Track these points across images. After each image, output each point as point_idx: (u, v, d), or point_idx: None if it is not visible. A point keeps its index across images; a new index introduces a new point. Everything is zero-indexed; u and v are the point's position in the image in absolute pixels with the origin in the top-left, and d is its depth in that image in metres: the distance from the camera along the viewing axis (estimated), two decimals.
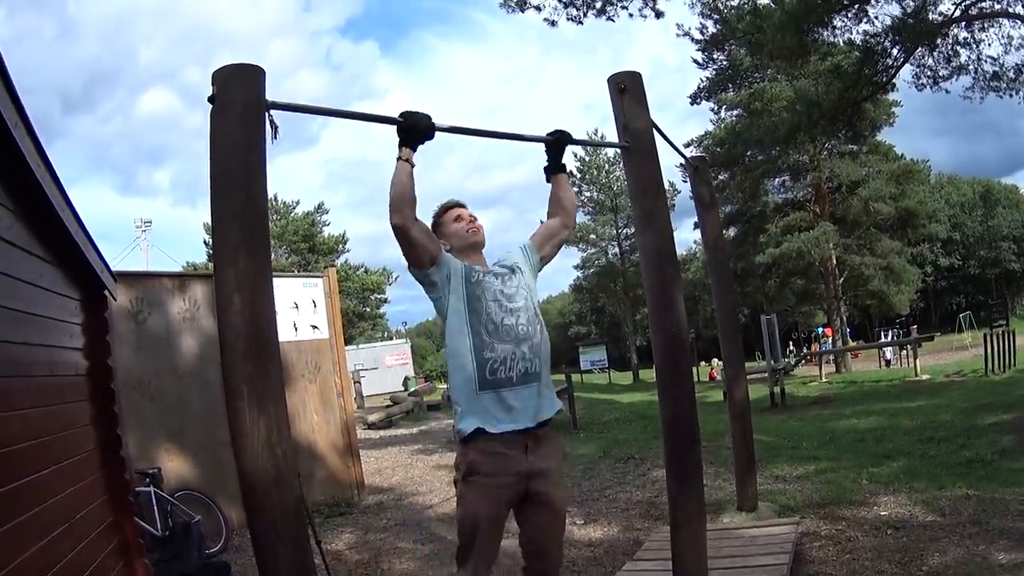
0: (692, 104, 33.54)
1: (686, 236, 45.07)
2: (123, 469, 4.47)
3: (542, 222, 3.66)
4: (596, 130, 42.03)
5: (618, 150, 4.35)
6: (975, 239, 56.04)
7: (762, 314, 23.57)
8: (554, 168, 3.54)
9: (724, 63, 29.66)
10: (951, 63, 15.57)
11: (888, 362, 29.32)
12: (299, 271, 39.04)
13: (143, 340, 7.68)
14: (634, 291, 44.66)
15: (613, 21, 16.46)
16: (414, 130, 2.94)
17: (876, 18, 15.50)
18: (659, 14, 16.16)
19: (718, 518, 6.06)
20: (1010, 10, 14.42)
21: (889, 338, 34.25)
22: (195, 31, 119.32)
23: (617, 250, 49.31)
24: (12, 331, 2.97)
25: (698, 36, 22.47)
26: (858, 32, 15.94)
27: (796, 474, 7.95)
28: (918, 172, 38.09)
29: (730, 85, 33.33)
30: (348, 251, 51.80)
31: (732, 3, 17.12)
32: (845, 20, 15.72)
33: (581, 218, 46.98)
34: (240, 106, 2.59)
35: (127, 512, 4.44)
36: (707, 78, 32.13)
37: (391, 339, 51.27)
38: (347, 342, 25.24)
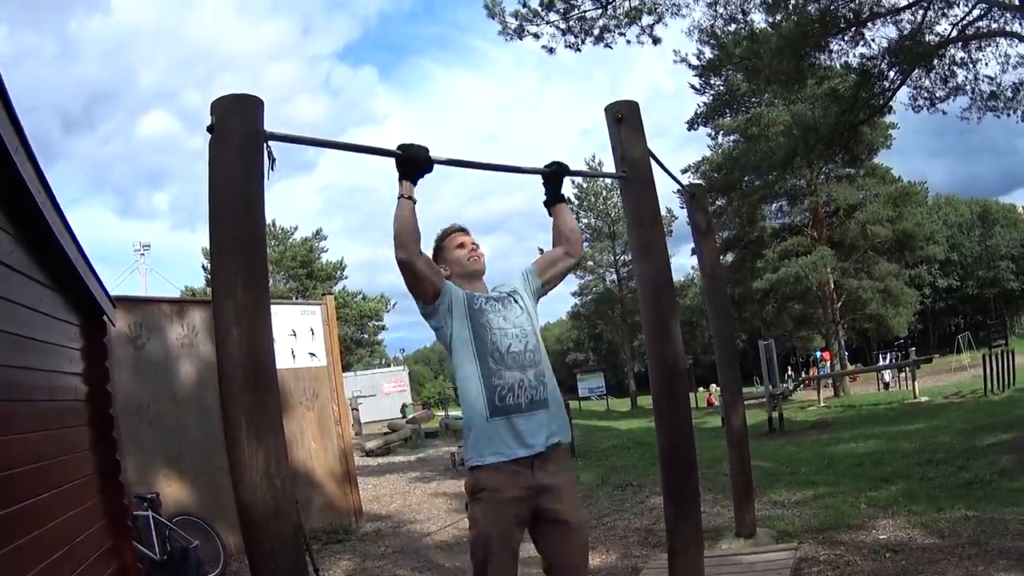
0: (689, 130, 33.84)
1: (684, 262, 45.11)
2: (122, 494, 4.48)
3: (541, 251, 3.65)
4: (594, 156, 42.35)
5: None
6: (973, 259, 56.01)
7: (760, 339, 23.58)
8: (553, 200, 3.53)
9: (721, 88, 29.95)
10: (948, 84, 15.65)
11: (887, 385, 29.25)
12: (297, 297, 39.08)
13: (142, 365, 7.69)
14: (632, 318, 44.57)
15: (611, 48, 16.58)
16: (412, 162, 2.95)
17: (873, 41, 15.67)
18: (656, 40, 16.29)
19: (716, 544, 6.04)
20: (1007, 28, 14.46)
21: (887, 361, 34.18)
22: (195, 54, 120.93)
23: (615, 277, 49.26)
24: (13, 355, 2.99)
25: (695, 62, 22.69)
26: (855, 55, 16.07)
27: (794, 499, 7.93)
28: (916, 194, 38.25)
29: (727, 110, 33.58)
30: (346, 278, 51.85)
31: (730, 28, 17.22)
32: (841, 43, 15.84)
33: None
34: (238, 137, 2.60)
35: (126, 536, 4.45)
36: (704, 103, 32.42)
37: (389, 366, 51.20)
38: (345, 369, 25.26)
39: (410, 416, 29.38)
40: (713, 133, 36.00)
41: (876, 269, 35.58)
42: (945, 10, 15.02)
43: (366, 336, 52.95)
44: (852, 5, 15.05)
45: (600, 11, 15.79)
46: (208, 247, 2.71)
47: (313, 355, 9.56)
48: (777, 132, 27.83)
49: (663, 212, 35.12)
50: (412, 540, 8.41)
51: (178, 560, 6.49)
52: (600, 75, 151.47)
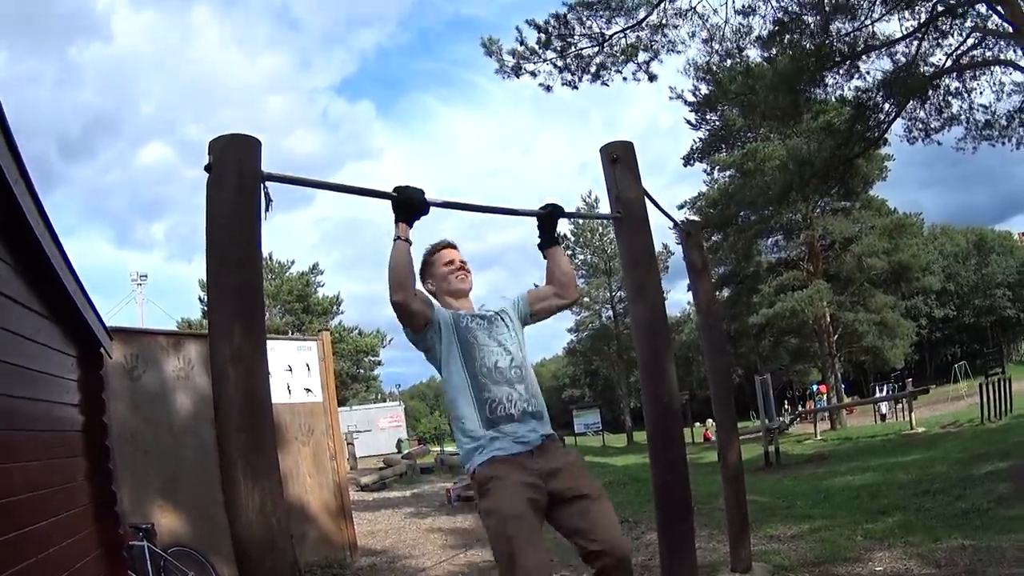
0: (685, 165, 34.05)
1: (680, 297, 45.39)
2: (117, 524, 4.48)
3: (536, 286, 3.70)
4: (590, 192, 42.64)
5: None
6: (969, 288, 56.01)
7: (756, 374, 23.58)
8: (547, 242, 3.53)
9: (717, 123, 30.16)
10: (943, 114, 15.73)
11: (883, 416, 29.24)
12: (293, 332, 39.07)
13: (138, 396, 7.68)
14: (628, 354, 44.50)
15: (607, 85, 16.66)
16: (407, 205, 2.98)
17: (867, 73, 15.77)
18: (652, 78, 16.42)
19: None
20: (1001, 56, 14.58)
21: (884, 392, 34.16)
22: (194, 84, 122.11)
23: (611, 313, 49.29)
24: (11, 385, 3.00)
25: (691, 98, 22.84)
26: (850, 88, 16.18)
27: (790, 533, 7.90)
28: (911, 225, 38.42)
29: (723, 145, 33.80)
30: (342, 312, 51.84)
31: (725, 64, 17.35)
32: (837, 77, 15.97)
33: None
34: (236, 177, 2.61)
35: (121, 566, 4.45)
36: (700, 139, 32.63)
37: (385, 401, 51.14)
38: (340, 404, 25.14)
39: (406, 451, 29.28)
40: (709, 169, 36.26)
41: (872, 301, 35.63)
42: (940, 40, 15.13)
43: (362, 371, 52.85)
44: (847, 39, 15.19)
45: (597, 49, 15.93)
46: (205, 279, 2.73)
47: (309, 391, 9.57)
48: (773, 167, 27.93)
49: (659, 248, 35.34)
50: (407, 575, 8.36)
51: None
52: (597, 110, 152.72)
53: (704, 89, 20.96)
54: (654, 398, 3.96)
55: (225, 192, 2.62)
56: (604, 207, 4.41)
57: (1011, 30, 13.20)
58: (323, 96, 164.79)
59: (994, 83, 15.27)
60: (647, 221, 4.12)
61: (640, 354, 4.07)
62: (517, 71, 16.05)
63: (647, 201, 4.20)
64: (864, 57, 15.49)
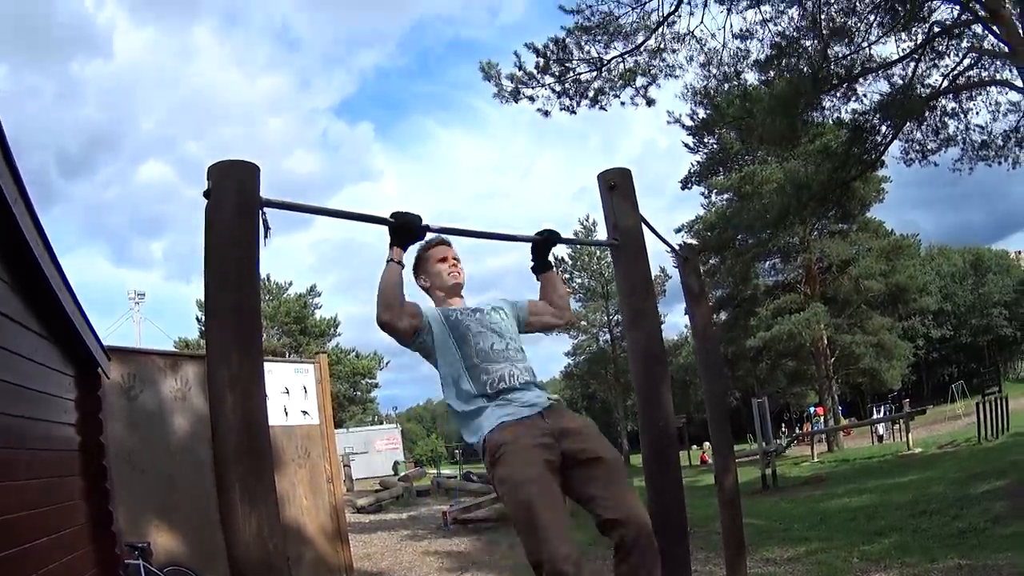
0: (683, 189, 34.08)
1: (677, 320, 45.29)
2: (114, 543, 4.49)
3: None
4: (588, 215, 42.63)
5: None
6: (966, 308, 55.70)
7: (753, 397, 23.55)
8: (541, 267, 3.57)
9: (715, 147, 30.22)
10: (939, 135, 15.70)
11: (880, 437, 29.18)
12: (291, 353, 39.01)
13: (135, 416, 7.69)
14: (625, 377, 44.17)
15: (605, 110, 16.63)
16: (404, 231, 3.01)
17: (864, 96, 15.75)
18: (650, 102, 16.40)
19: None
20: (998, 77, 14.59)
21: (881, 414, 34.11)
22: (194, 103, 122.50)
23: (608, 337, 49.18)
24: (10, 404, 3.02)
25: (689, 122, 22.91)
26: (847, 111, 16.14)
27: (787, 556, 7.90)
28: (908, 246, 38.37)
29: (720, 168, 33.84)
30: (339, 335, 51.75)
31: (723, 87, 17.37)
32: (834, 100, 15.94)
33: (572, 304, 46.87)
34: (234, 204, 2.61)
35: None
36: (698, 162, 32.69)
37: (381, 423, 51.10)
38: (337, 426, 25.06)
39: (402, 474, 29.19)
40: (707, 192, 36.24)
41: (869, 323, 35.57)
42: (936, 61, 15.17)
43: (359, 393, 52.64)
44: (844, 62, 15.24)
45: (595, 73, 15.93)
46: (202, 300, 2.75)
47: (306, 413, 9.58)
48: (770, 190, 27.88)
49: (657, 271, 35.38)
50: None
51: None
52: (595, 133, 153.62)
53: (702, 113, 21.02)
54: (650, 423, 3.97)
55: (224, 218, 2.62)
56: (602, 230, 4.41)
57: (1007, 50, 13.24)
58: (323, 117, 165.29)
59: (990, 103, 15.30)
60: (644, 249, 4.09)
61: (636, 380, 4.04)
62: (515, 96, 16.05)
63: (644, 228, 4.22)
64: (861, 80, 15.51)
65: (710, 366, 6.80)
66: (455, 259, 3.41)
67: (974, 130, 15.49)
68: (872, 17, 14.69)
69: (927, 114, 15.35)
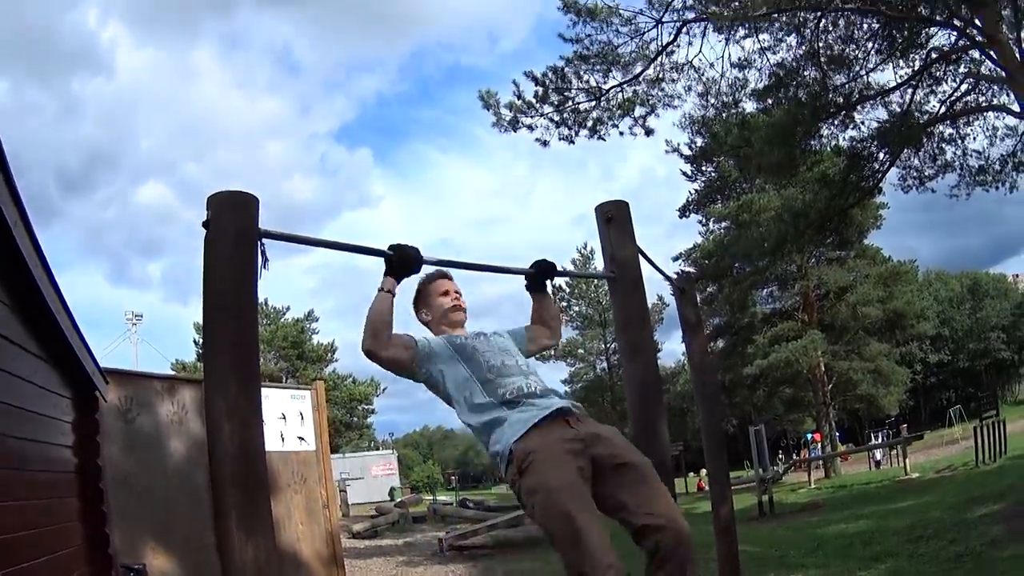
0: (681, 217, 33.99)
1: (674, 347, 45.13)
2: (110, 565, 4.49)
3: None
4: (586, 244, 42.70)
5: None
6: (964, 332, 55.48)
7: (750, 424, 23.52)
8: (535, 288, 3.58)
9: (713, 175, 30.22)
10: (937, 161, 15.70)
11: (878, 463, 29.11)
12: (287, 378, 38.95)
13: (132, 439, 7.67)
14: (621, 405, 43.91)
15: (604, 140, 16.62)
16: (402, 263, 3.01)
17: (862, 123, 15.75)
18: (649, 132, 16.45)
19: None
20: (995, 102, 14.62)
21: (879, 439, 34.03)
22: (194, 126, 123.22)
23: (605, 365, 49.05)
24: (8, 425, 3.04)
25: (687, 152, 22.98)
26: (844, 139, 16.15)
27: None
28: (906, 272, 38.27)
29: (719, 196, 33.82)
30: (336, 360, 51.67)
31: (722, 116, 17.38)
32: (832, 128, 15.94)
33: (570, 333, 46.97)
34: (233, 235, 2.64)
35: None
36: (696, 190, 32.68)
37: (378, 449, 50.98)
38: (334, 451, 25.06)
39: (398, 499, 29.09)
40: (704, 220, 36.25)
41: (867, 350, 35.45)
42: (934, 87, 15.22)
43: (356, 419, 52.47)
44: (842, 89, 15.28)
45: (593, 103, 15.98)
46: (200, 323, 2.79)
47: (302, 439, 9.59)
48: (768, 218, 27.72)
49: (654, 300, 35.34)
50: None
51: None
52: (594, 161, 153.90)
53: (700, 142, 21.01)
54: (646, 453, 3.99)
55: (223, 248, 2.65)
56: (599, 259, 4.43)
57: (1004, 74, 13.31)
58: (322, 142, 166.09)
59: (987, 128, 15.31)
60: (641, 281, 4.11)
61: (632, 411, 4.05)
62: (514, 125, 16.05)
63: (641, 259, 4.22)
64: (859, 107, 15.53)
65: (707, 397, 6.82)
66: (457, 292, 3.40)
67: (971, 155, 15.48)
68: (870, 44, 14.76)
69: (924, 141, 15.38)
